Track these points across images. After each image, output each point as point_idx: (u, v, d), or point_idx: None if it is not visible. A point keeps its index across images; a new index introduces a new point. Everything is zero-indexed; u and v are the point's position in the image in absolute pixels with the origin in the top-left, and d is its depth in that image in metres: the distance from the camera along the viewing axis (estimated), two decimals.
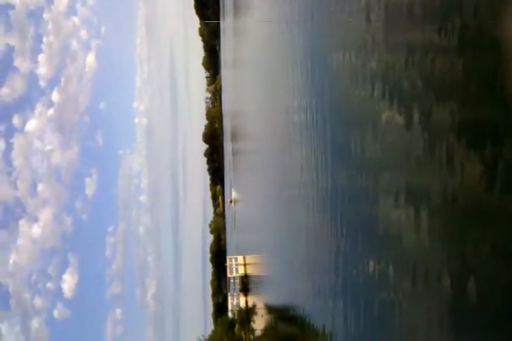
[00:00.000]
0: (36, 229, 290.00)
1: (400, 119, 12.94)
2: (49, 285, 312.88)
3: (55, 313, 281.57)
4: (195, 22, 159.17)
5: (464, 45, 10.04)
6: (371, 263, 15.61)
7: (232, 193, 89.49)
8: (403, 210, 12.73)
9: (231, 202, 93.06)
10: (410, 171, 12.68)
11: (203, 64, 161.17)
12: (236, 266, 79.39)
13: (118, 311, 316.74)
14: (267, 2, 47.54)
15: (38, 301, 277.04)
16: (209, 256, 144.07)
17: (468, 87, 9.91)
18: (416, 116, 12.02)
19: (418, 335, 12.11)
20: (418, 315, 12.01)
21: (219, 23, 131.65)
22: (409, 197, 12.48)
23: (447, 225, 10.68)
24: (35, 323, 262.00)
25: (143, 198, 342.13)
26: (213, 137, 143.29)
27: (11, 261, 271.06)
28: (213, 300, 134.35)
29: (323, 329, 22.98)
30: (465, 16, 9.91)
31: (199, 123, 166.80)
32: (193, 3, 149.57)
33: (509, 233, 8.57)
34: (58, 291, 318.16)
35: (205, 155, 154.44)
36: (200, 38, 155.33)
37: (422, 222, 11.70)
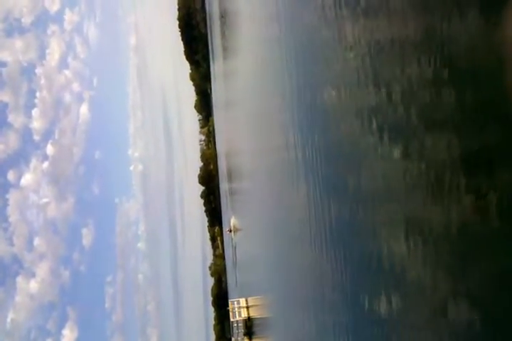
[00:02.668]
0: (34, 285, 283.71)
1: (393, 152, 13.03)
2: None
3: None
4: (185, 67, 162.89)
5: (452, 78, 10.19)
6: (374, 299, 15.34)
7: (231, 222, 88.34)
8: (402, 243, 12.64)
9: (230, 231, 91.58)
10: (406, 203, 12.66)
11: (195, 107, 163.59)
12: (239, 310, 77.68)
13: None
14: (255, 44, 48.73)
15: None
16: (211, 299, 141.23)
17: (459, 119, 10.01)
18: (409, 149, 12.11)
19: None
20: None
21: (209, 67, 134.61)
22: (407, 229, 12.45)
23: (448, 256, 10.58)
24: None
25: (141, 245, 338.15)
26: (209, 178, 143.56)
27: (8, 320, 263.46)
28: None
29: None
30: (452, 50, 10.11)
31: (194, 165, 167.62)
32: (182, 49, 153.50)
33: (505, 260, 8.53)
34: None
35: (201, 197, 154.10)
36: (192, 83, 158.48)
37: (422, 253, 11.62)
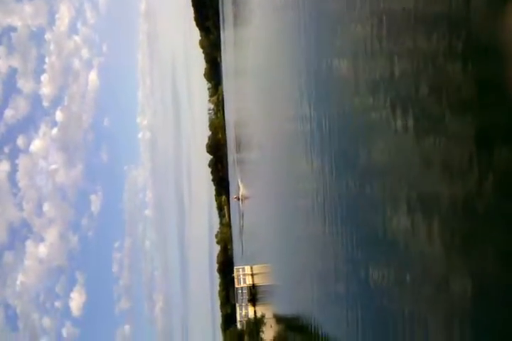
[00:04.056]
0: (43, 249, 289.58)
1: (403, 127, 12.92)
2: (57, 304, 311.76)
3: (64, 332, 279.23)
4: (195, 34, 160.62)
5: (467, 54, 10.03)
6: (377, 271, 15.57)
7: (239, 190, 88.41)
8: (407, 218, 12.73)
9: (238, 199, 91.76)
10: (414, 179, 12.66)
11: (205, 75, 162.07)
12: (243, 277, 79.12)
13: (127, 327, 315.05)
14: (266, 11, 47.80)
15: (47, 321, 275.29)
16: (216, 266, 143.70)
17: (469, 95, 9.90)
18: (419, 124, 12.02)
19: None
20: (427, 322, 11.93)
21: (220, 34, 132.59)
22: (413, 205, 12.48)
23: (451, 232, 10.65)
24: None
25: (148, 212, 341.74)
26: (217, 148, 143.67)
27: (18, 282, 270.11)
28: (222, 311, 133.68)
29: (332, 337, 22.80)
30: (467, 25, 9.93)
31: (202, 134, 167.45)
32: (192, 15, 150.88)
33: (508, 236, 8.58)
34: (66, 310, 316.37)
35: (209, 165, 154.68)
36: (201, 50, 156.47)
37: (426, 229, 11.65)
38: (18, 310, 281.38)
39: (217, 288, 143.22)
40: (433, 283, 11.49)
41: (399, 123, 13.23)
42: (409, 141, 12.57)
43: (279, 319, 46.18)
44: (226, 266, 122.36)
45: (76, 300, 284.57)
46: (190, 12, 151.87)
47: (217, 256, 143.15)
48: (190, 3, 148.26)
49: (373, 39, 15.28)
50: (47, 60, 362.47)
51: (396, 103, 13.51)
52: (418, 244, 12.16)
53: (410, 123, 12.55)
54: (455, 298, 10.32)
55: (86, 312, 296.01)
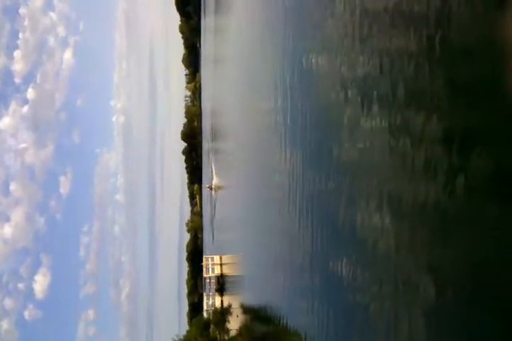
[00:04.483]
0: (8, 229, 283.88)
1: (377, 124, 13.06)
2: (20, 286, 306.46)
3: (26, 314, 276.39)
4: (175, 19, 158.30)
5: (443, 55, 10.08)
6: (345, 266, 15.78)
7: (212, 180, 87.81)
8: (377, 214, 12.92)
9: (210, 188, 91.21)
10: (385, 176, 12.83)
11: (183, 61, 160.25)
12: (212, 266, 79.18)
13: (91, 312, 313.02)
14: (248, 1, 47.46)
15: (9, 302, 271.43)
16: (185, 255, 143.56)
17: (445, 97, 9.96)
18: (393, 122, 12.12)
19: (385, 335, 12.25)
20: (388, 315, 12.16)
21: (200, 20, 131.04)
22: (383, 202, 12.65)
23: (417, 229, 10.85)
24: (4, 325, 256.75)
25: (119, 197, 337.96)
26: (192, 135, 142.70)
27: None
28: (188, 300, 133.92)
29: (298, 328, 23.05)
30: (446, 27, 9.95)
31: (178, 121, 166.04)
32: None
33: (475, 237, 8.77)
34: (30, 292, 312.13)
35: (183, 153, 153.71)
36: (181, 35, 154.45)
37: (394, 226, 11.90)
38: None
39: (186, 276, 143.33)
40: (398, 279, 11.71)
41: (373, 120, 13.38)
42: (382, 139, 12.71)
43: (245, 309, 46.47)
44: (195, 255, 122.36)
45: (40, 283, 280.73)
46: None
47: (187, 245, 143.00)
48: None
49: (354, 36, 15.33)
50: (20, 35, 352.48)
51: (372, 100, 13.59)
52: (386, 241, 12.34)
53: (384, 121, 12.67)
54: (419, 294, 10.50)
55: (50, 295, 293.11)
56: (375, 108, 13.37)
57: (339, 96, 16.89)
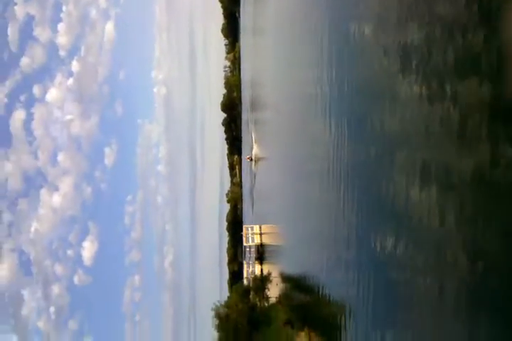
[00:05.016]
0: (57, 198, 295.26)
1: (420, 94, 12.73)
2: (69, 252, 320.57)
3: (75, 280, 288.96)
4: None
5: (492, 23, 9.71)
6: (385, 239, 15.67)
7: (252, 151, 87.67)
8: (417, 188, 12.72)
9: (251, 159, 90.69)
10: (427, 149, 12.57)
11: (222, 31, 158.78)
12: (252, 235, 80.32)
13: (136, 278, 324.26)
14: None
15: (59, 268, 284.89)
16: (225, 225, 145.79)
17: (488, 65, 9.68)
18: (437, 92, 11.81)
19: (426, 310, 12.19)
20: (428, 292, 12.10)
21: None
22: (424, 176, 12.45)
23: (461, 205, 10.63)
24: (55, 289, 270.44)
25: (161, 168, 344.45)
26: (231, 106, 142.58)
27: (32, 229, 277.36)
28: (229, 268, 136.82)
29: (337, 300, 23.32)
30: None
31: (217, 92, 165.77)
32: None
33: None
34: (78, 258, 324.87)
35: (223, 124, 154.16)
36: (220, 5, 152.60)
37: (436, 200, 11.67)
38: (31, 257, 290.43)
39: (226, 245, 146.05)
40: (440, 255, 11.54)
41: (416, 90, 13.04)
42: (425, 109, 12.44)
43: (285, 278, 47.18)
44: (235, 225, 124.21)
45: (88, 250, 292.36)
46: None
47: (227, 215, 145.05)
48: None
49: (400, 7, 14.82)
50: (64, 8, 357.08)
51: (414, 72, 13.26)
52: (428, 215, 12.15)
53: (428, 90, 12.35)
54: (462, 271, 10.38)
55: (97, 261, 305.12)
56: (419, 78, 13.02)
57: (381, 67, 16.53)
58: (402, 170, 14.33)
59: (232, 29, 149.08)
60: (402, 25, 14.56)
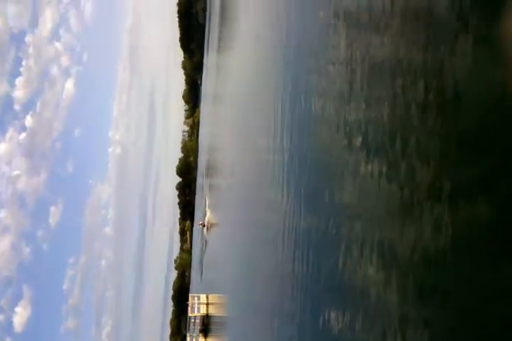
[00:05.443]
0: None
1: (374, 171, 13.11)
2: None
3: None
4: (179, 55, 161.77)
5: (443, 107, 10.13)
6: (334, 315, 15.37)
7: (206, 217, 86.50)
8: (368, 262, 12.82)
9: (203, 225, 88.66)
10: (378, 223, 12.82)
11: (183, 97, 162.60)
12: (198, 305, 77.36)
13: None
14: (251, 43, 48.63)
15: None
16: (171, 293, 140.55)
17: (443, 148, 9.99)
18: (390, 170, 12.21)
19: None
20: None
21: (203, 58, 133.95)
22: (374, 249, 12.59)
23: (414, 282, 10.62)
24: None
25: (108, 230, 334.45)
26: (187, 171, 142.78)
27: None
28: None
29: None
30: (450, 79, 10.00)
31: (174, 155, 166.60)
32: (178, 36, 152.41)
33: (466, 293, 8.58)
34: (8, 325, 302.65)
35: (177, 188, 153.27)
36: (183, 71, 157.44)
37: (389, 277, 11.68)
38: None
39: (170, 316, 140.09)
40: (384, 332, 11.45)
41: (371, 167, 13.38)
42: (380, 187, 12.70)
43: None
44: (181, 294, 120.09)
45: (20, 315, 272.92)
46: (176, 32, 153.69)
47: (174, 283, 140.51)
48: (177, 24, 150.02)
49: (355, 83, 15.54)
50: (24, 63, 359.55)
51: (370, 147, 13.66)
52: (377, 292, 12.19)
53: (383, 168, 12.69)
54: None
55: (29, 328, 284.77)
56: (371, 154, 13.47)
57: (338, 139, 16.96)
58: (352, 245, 14.41)
59: (193, 95, 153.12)
60: (361, 102, 15.10)
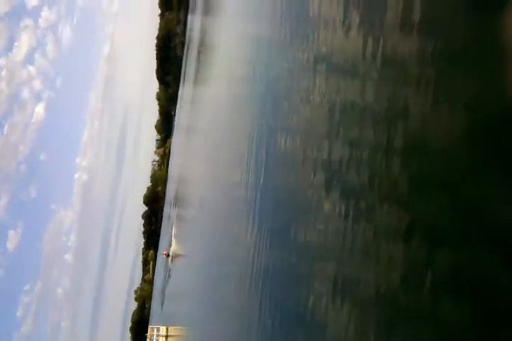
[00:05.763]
0: None
1: (337, 211, 13.55)
2: None
3: None
4: (153, 86, 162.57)
5: (408, 151, 10.72)
6: None
7: (170, 247, 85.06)
8: (331, 300, 13.07)
9: (167, 255, 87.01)
10: (341, 262, 13.16)
11: (156, 127, 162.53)
12: (157, 337, 75.21)
13: None
14: (226, 80, 49.63)
15: None
16: (129, 325, 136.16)
17: (409, 191, 10.41)
18: (354, 211, 12.66)
19: None
20: None
21: (178, 91, 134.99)
22: (337, 287, 12.95)
23: (373, 320, 10.96)
24: None
25: (68, 257, 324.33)
26: (154, 200, 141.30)
27: None
28: None
29: None
30: (413, 124, 10.63)
31: (142, 184, 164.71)
32: (154, 68, 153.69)
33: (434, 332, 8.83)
34: None
35: (142, 217, 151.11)
36: (157, 102, 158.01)
37: (349, 314, 11.98)
38: None
39: None
40: None
41: (336, 206, 13.88)
42: (339, 225, 13.19)
43: None
44: (140, 326, 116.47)
45: None
46: (153, 64, 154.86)
47: (133, 314, 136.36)
48: (154, 56, 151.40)
49: (327, 124, 16.10)
50: None
51: (336, 186, 14.18)
52: (338, 328, 12.40)
53: (343, 207, 13.20)
54: None
55: None
56: (336, 194, 13.99)
57: (305, 177, 17.47)
58: (319, 282, 14.73)
59: (165, 126, 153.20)
60: (330, 142, 15.74)
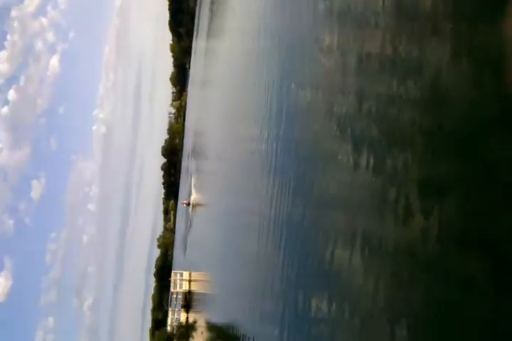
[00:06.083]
0: None
1: (359, 163, 13.41)
2: None
3: None
4: (167, 38, 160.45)
5: (429, 102, 10.53)
6: (314, 298, 16.13)
7: (190, 196, 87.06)
8: (350, 251, 13.27)
9: (188, 204, 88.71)
10: (360, 214, 13.20)
11: (171, 79, 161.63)
12: (180, 282, 79.17)
13: (51, 319, 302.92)
14: (240, 30, 48.55)
15: None
16: (153, 270, 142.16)
17: (426, 139, 10.43)
18: (374, 162, 12.56)
19: None
20: None
21: (192, 42, 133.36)
22: (356, 238, 13.08)
23: (391, 269, 11.27)
24: None
25: (91, 206, 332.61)
26: (172, 152, 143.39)
27: None
28: (152, 316, 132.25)
29: None
30: (436, 73, 10.33)
31: (160, 137, 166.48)
32: (167, 19, 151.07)
33: (446, 281, 8.99)
34: None
35: (161, 168, 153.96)
36: (171, 54, 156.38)
37: (365, 263, 12.34)
38: None
39: (152, 291, 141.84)
40: (365, 318, 12.04)
41: (357, 159, 13.60)
42: (364, 177, 13.04)
43: (211, 327, 46.93)
44: (164, 272, 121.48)
45: (1, 285, 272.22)
46: (166, 16, 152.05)
47: (156, 260, 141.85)
48: (167, 7, 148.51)
49: (344, 75, 15.67)
50: (9, 37, 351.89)
51: (357, 139, 13.89)
52: (357, 278, 12.68)
53: (363, 159, 13.00)
54: (386, 332, 10.78)
55: (10, 298, 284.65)
56: (357, 147, 13.67)
57: (323, 131, 17.22)
58: (334, 233, 14.99)
59: (180, 79, 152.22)
60: (348, 94, 15.41)
